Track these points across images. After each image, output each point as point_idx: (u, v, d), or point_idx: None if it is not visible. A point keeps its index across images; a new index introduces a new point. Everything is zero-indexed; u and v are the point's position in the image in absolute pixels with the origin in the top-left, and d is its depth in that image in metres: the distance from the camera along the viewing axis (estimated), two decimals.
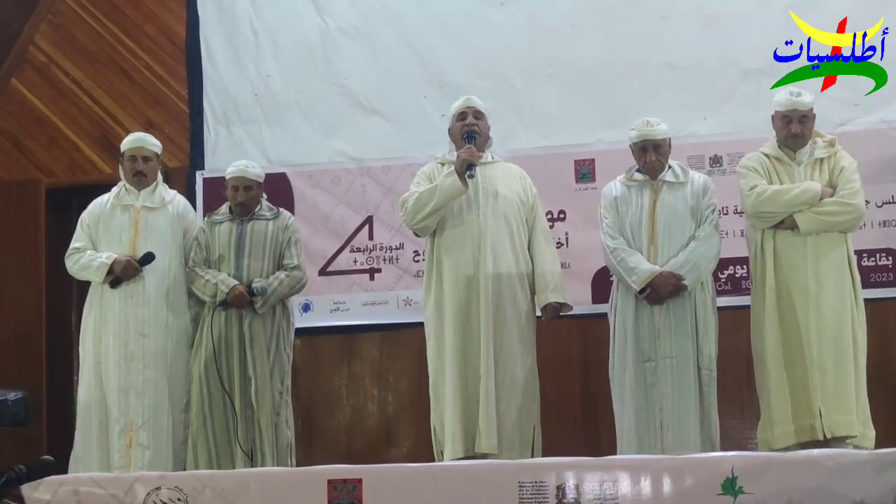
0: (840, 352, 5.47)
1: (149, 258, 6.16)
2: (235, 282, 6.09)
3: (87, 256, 6.22)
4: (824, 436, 5.40)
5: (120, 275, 6.13)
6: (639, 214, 5.77)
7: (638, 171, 5.87)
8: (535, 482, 4.19)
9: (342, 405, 7.31)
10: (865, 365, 5.56)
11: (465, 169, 5.72)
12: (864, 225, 6.25)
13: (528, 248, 5.90)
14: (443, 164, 5.94)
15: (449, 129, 6.01)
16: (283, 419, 6.12)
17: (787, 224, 5.59)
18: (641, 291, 5.64)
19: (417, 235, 6.09)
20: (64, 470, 5.97)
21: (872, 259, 6.68)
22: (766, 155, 5.75)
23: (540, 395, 5.87)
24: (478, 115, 5.93)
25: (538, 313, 5.92)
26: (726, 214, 6.52)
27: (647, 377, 5.64)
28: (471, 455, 5.56)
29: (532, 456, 5.64)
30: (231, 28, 7.67)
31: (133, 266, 6.14)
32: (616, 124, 6.85)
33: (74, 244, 6.31)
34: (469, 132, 5.84)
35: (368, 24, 7.48)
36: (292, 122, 7.51)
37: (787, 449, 5.32)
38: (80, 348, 6.28)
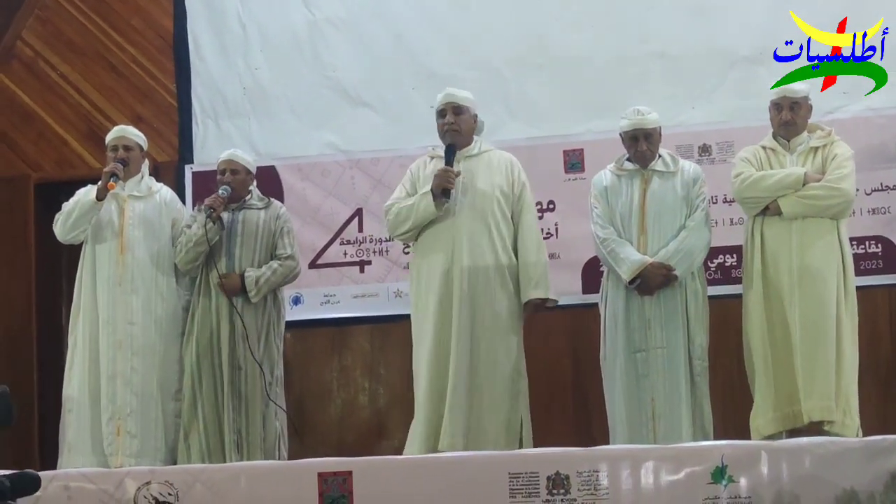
0: (820, 336, 5.45)
1: (124, 163, 6.15)
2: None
3: (71, 201, 6.17)
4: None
5: (106, 178, 6.06)
6: (629, 204, 5.76)
7: (628, 160, 5.86)
8: (526, 473, 4.20)
9: (333, 398, 7.29)
10: (855, 354, 5.55)
11: (441, 192, 5.70)
12: (854, 212, 6.25)
13: (515, 240, 5.85)
14: (432, 158, 5.93)
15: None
16: (272, 410, 6.09)
17: (772, 210, 5.60)
18: (631, 282, 5.64)
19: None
20: (54, 460, 5.99)
21: (862, 247, 6.67)
22: (763, 147, 5.77)
23: (530, 387, 5.85)
24: (458, 110, 5.87)
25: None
26: (715, 203, 6.51)
27: (639, 367, 5.64)
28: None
29: (521, 448, 5.59)
30: (218, 21, 7.64)
31: (114, 168, 6.09)
32: (605, 114, 6.84)
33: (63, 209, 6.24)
34: (449, 147, 5.80)
35: (356, 15, 7.45)
36: (281, 114, 7.48)
37: (775, 436, 5.33)
38: (70, 337, 6.21)
